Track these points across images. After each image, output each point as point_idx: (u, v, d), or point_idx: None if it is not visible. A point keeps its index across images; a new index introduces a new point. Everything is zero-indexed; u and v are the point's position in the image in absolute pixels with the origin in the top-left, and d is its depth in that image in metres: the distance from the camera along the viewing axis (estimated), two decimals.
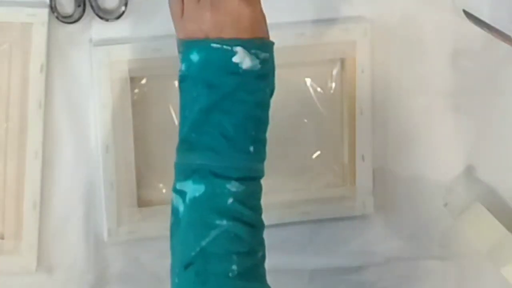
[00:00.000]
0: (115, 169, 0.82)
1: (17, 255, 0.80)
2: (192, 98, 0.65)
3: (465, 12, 0.84)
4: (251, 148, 0.66)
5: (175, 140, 0.69)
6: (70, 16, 0.80)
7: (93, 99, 0.81)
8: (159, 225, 0.84)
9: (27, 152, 0.80)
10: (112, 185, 0.82)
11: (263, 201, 0.85)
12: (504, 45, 0.84)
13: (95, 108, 0.81)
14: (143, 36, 0.81)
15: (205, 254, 0.63)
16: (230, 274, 0.63)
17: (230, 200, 0.64)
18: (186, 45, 0.67)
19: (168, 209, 0.84)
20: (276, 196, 0.86)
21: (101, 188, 0.82)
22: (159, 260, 0.84)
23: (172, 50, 0.81)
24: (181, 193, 0.66)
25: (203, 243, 0.63)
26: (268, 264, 0.88)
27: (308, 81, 0.85)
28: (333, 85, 0.86)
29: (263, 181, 0.68)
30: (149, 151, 0.84)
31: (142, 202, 0.84)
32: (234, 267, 0.63)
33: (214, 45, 0.65)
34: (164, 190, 0.85)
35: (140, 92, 0.83)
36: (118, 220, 0.82)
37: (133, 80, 0.82)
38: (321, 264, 0.88)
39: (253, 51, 0.65)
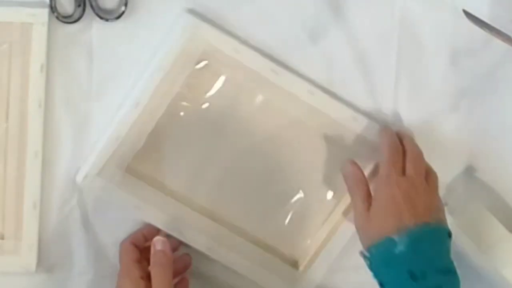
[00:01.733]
0: None
1: (17, 255, 0.80)
2: None
3: (465, 12, 0.84)
4: None
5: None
6: (70, 16, 0.80)
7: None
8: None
9: (27, 152, 0.80)
10: None
11: None
12: (504, 45, 0.84)
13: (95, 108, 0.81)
14: (143, 36, 0.81)
15: None
16: None
17: None
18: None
19: None
20: None
21: None
22: None
23: None
24: None
25: None
26: None
27: None
28: None
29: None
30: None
31: None
32: None
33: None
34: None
35: None
36: None
37: None
38: None
39: None
